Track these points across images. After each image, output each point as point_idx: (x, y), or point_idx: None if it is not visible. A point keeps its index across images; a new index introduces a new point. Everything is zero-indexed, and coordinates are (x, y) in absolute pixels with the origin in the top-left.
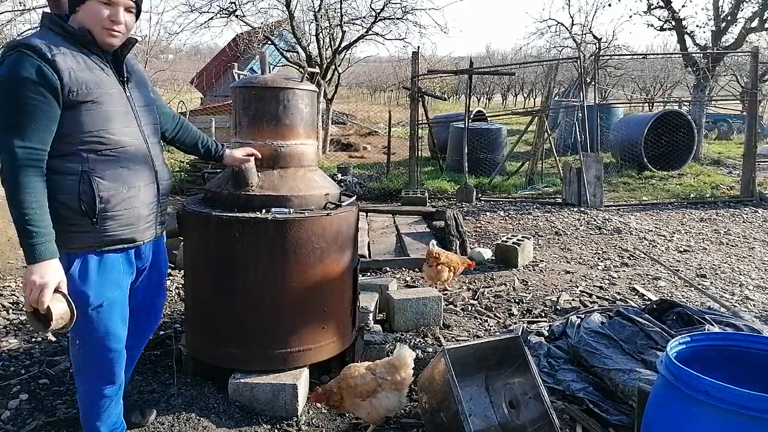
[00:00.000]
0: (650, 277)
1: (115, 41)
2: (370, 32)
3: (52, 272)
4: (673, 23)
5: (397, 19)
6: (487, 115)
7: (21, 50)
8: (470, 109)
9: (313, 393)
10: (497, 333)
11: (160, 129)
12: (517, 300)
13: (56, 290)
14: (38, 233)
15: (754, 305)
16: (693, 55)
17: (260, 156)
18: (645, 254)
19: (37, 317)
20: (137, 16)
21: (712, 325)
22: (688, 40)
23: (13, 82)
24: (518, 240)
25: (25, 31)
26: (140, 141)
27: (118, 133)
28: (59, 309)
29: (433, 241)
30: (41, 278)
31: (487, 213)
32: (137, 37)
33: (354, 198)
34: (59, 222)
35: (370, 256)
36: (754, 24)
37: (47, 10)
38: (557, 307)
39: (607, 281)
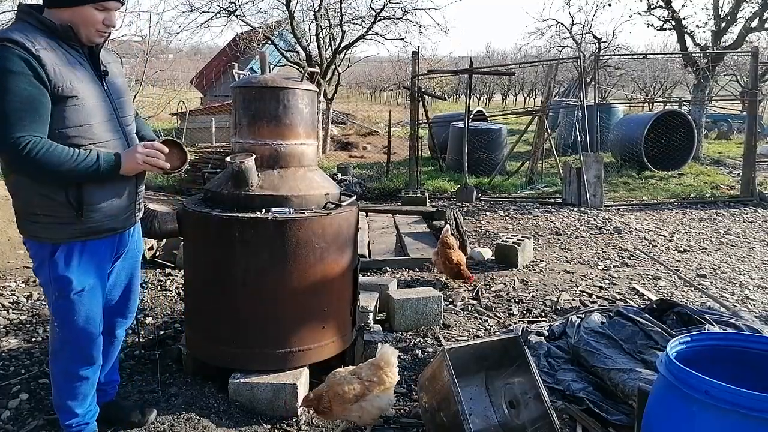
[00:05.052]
0: (650, 276)
1: (101, 40)
2: (370, 32)
3: (129, 154)
4: (673, 23)
5: (397, 18)
6: (487, 114)
7: (5, 44)
8: (470, 109)
9: (305, 398)
10: (497, 333)
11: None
12: (517, 300)
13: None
14: (96, 162)
15: (754, 305)
16: (693, 54)
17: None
18: (645, 254)
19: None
20: None
21: (712, 324)
22: (688, 40)
23: (5, 77)
24: (518, 240)
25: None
26: (119, 134)
27: (99, 127)
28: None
29: (447, 226)
30: (137, 161)
31: (487, 213)
32: (137, 37)
33: (354, 198)
34: (46, 214)
35: (370, 256)
36: (754, 24)
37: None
38: (557, 306)
39: (607, 281)
